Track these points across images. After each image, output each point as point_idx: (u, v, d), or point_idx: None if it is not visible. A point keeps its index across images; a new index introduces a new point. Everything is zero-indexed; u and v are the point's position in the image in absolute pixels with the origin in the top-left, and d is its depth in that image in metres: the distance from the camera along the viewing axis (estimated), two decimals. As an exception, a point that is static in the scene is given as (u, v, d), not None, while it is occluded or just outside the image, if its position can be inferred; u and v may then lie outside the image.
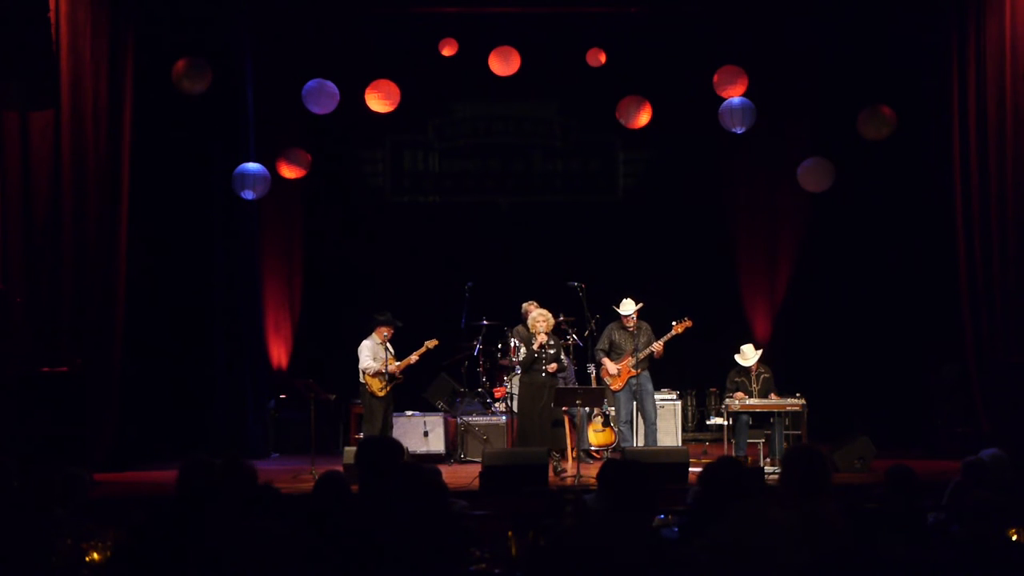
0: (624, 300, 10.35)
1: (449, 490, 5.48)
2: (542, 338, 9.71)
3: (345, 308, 11.87)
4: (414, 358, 10.26)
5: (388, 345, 10.30)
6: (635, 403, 10.30)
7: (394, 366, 10.16)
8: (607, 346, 10.40)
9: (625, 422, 10.30)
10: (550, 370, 9.71)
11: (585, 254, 12.46)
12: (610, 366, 10.31)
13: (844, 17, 11.64)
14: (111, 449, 10.31)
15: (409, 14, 12.01)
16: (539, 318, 9.78)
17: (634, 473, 3.77)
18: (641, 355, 10.19)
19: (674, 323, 10.27)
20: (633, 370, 10.21)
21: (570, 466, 9.82)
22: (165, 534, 4.34)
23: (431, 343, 10.25)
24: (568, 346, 10.74)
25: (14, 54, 8.16)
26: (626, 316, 10.25)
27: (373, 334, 10.28)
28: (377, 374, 10.15)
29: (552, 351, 9.77)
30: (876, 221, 12.09)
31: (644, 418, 10.33)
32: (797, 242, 13.03)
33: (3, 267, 9.42)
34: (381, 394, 10.16)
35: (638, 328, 10.30)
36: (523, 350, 9.82)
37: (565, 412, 9.99)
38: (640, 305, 10.30)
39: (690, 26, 12.24)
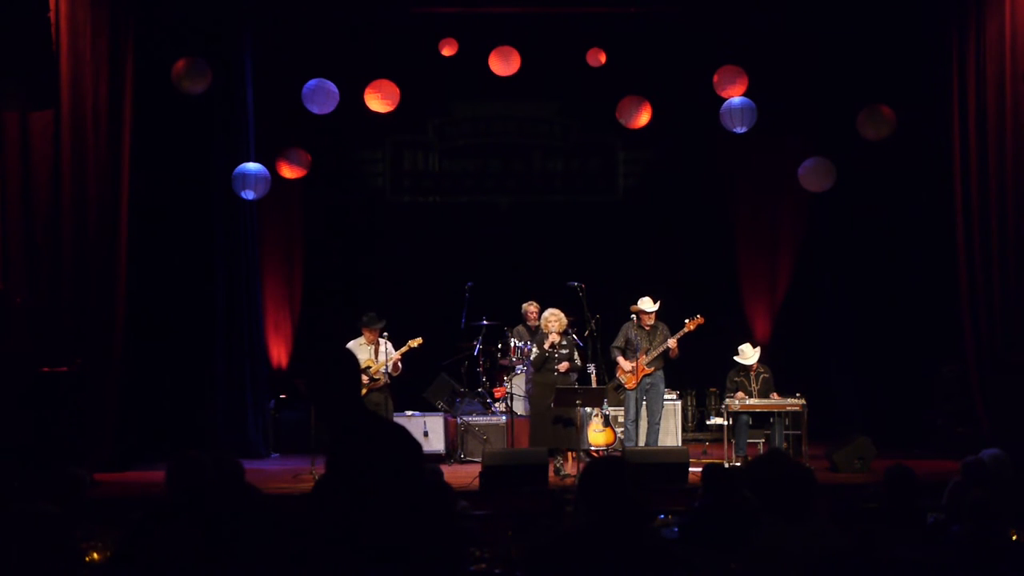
0: (642, 298, 10.36)
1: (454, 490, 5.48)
2: (554, 337, 9.73)
3: (345, 308, 11.85)
4: (396, 358, 10.25)
5: (381, 346, 10.30)
6: (644, 402, 10.33)
7: (375, 367, 10.18)
8: (623, 344, 10.41)
9: (632, 420, 10.32)
10: (561, 369, 9.73)
11: (585, 254, 12.46)
12: (624, 364, 10.33)
13: (844, 17, 11.64)
14: (111, 449, 10.31)
15: (409, 14, 12.00)
16: (550, 318, 9.81)
17: (612, 476, 3.72)
18: (654, 353, 10.21)
19: (686, 320, 10.28)
20: (647, 368, 10.23)
21: (570, 466, 9.82)
22: (159, 533, 4.33)
23: (414, 342, 10.26)
24: (576, 344, 10.75)
25: (14, 54, 8.15)
26: (647, 314, 10.27)
27: (360, 336, 10.34)
28: None
29: (565, 351, 9.79)
30: (876, 221, 12.09)
31: (648, 417, 10.36)
32: (797, 242, 13.05)
33: (3, 267, 9.42)
34: None
35: (654, 327, 10.32)
36: (535, 350, 9.85)
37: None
38: (658, 304, 10.32)
39: (690, 26, 12.23)
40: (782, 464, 4.55)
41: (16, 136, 9.63)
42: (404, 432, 3.73)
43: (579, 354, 10.06)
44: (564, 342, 9.84)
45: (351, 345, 10.35)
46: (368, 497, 3.51)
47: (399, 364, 10.30)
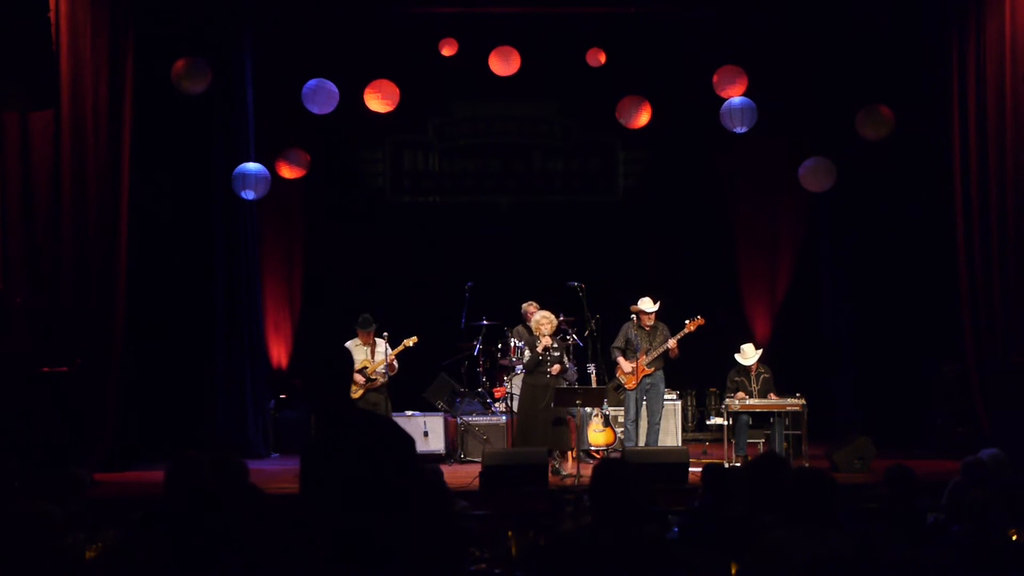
0: (642, 299, 10.36)
1: (451, 492, 5.47)
2: (547, 340, 9.72)
3: (345, 308, 11.86)
4: (391, 357, 10.28)
5: (378, 346, 10.33)
6: (645, 402, 10.34)
7: (371, 367, 10.22)
8: (623, 344, 10.41)
9: (632, 420, 10.32)
10: (553, 372, 9.72)
11: (585, 254, 12.46)
12: (624, 364, 10.33)
13: (844, 17, 11.64)
14: (111, 449, 10.31)
15: (409, 14, 12.00)
16: (543, 320, 9.79)
17: (620, 479, 3.74)
18: (654, 353, 10.22)
19: (687, 321, 10.28)
20: (647, 368, 10.24)
21: (570, 466, 9.82)
22: (157, 533, 4.33)
23: (409, 341, 10.30)
24: (568, 346, 10.76)
25: (14, 54, 8.15)
26: (647, 314, 10.28)
27: (356, 337, 10.38)
28: None
29: (556, 353, 9.79)
30: (876, 221, 12.09)
31: (648, 417, 10.36)
32: (797, 242, 13.05)
33: (3, 267, 9.41)
34: (354, 396, 10.21)
35: (654, 327, 10.33)
36: (527, 352, 9.84)
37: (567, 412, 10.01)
38: (658, 304, 10.33)
39: (690, 26, 12.23)
40: (779, 467, 4.55)
41: (16, 136, 9.62)
42: (396, 427, 3.77)
43: (566, 356, 10.02)
44: (555, 344, 9.83)
45: (347, 346, 10.39)
46: (361, 490, 3.54)
47: (395, 364, 10.33)
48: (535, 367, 9.76)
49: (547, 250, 12.74)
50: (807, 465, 9.57)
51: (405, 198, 13.48)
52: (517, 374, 10.91)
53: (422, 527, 3.94)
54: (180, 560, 4.19)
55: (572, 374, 10.33)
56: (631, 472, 3.69)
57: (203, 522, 4.36)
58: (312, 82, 10.94)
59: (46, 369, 9.38)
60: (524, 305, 11.00)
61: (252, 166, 10.92)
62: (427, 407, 11.50)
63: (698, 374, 12.14)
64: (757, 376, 10.58)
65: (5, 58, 8.12)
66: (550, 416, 9.64)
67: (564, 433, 9.79)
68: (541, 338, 9.75)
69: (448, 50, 11.51)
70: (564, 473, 9.68)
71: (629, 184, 13.55)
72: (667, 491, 8.29)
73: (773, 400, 10.30)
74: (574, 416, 10.30)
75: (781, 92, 12.00)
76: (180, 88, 10.57)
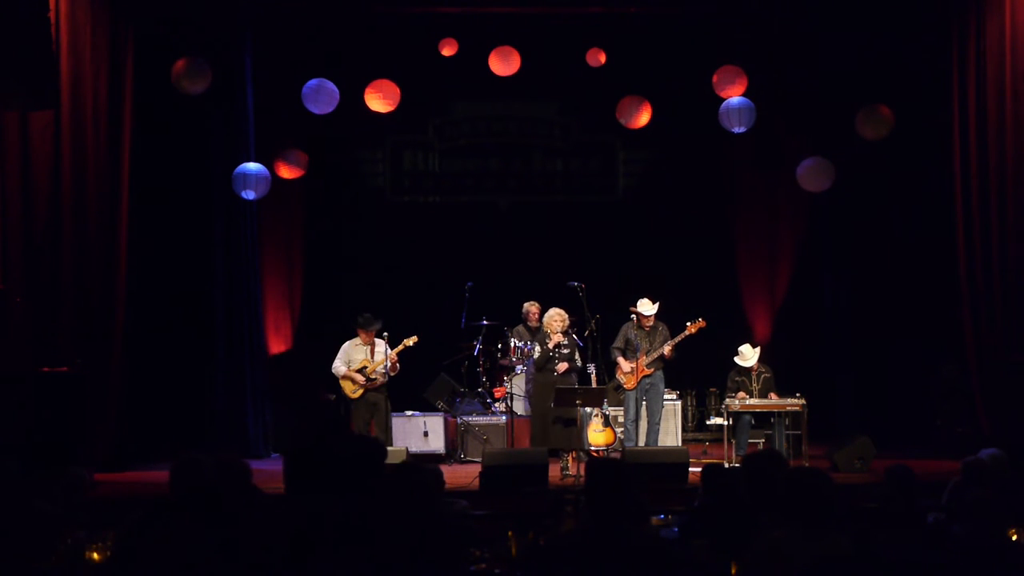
0: (641, 300, 10.36)
1: (447, 490, 5.47)
2: (557, 337, 9.72)
3: (345, 308, 11.87)
4: (392, 357, 10.29)
5: (378, 346, 10.34)
6: (644, 402, 10.34)
7: (371, 366, 10.23)
8: (623, 345, 10.41)
9: (632, 420, 10.32)
10: (559, 370, 9.72)
11: (585, 254, 12.47)
12: (624, 365, 10.34)
13: (844, 17, 11.64)
14: (111, 449, 10.31)
15: (409, 14, 12.00)
16: (556, 316, 9.81)
17: (614, 477, 3.73)
18: (654, 354, 10.22)
19: (688, 324, 10.28)
20: (647, 369, 10.24)
21: (571, 466, 9.83)
22: (159, 534, 4.33)
23: (409, 340, 10.31)
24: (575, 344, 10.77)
25: (14, 54, 8.15)
26: (647, 316, 10.28)
27: (356, 336, 10.37)
28: (345, 377, 10.26)
29: (566, 350, 9.80)
30: (876, 221, 12.10)
31: (648, 417, 10.36)
32: (797, 242, 13.05)
33: (3, 267, 9.41)
34: (353, 396, 10.28)
35: (654, 328, 10.33)
36: (538, 348, 9.85)
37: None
38: (657, 305, 10.33)
39: (690, 26, 12.23)
40: (777, 463, 4.56)
41: (16, 136, 9.61)
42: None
43: (579, 354, 10.06)
44: (566, 342, 9.85)
45: (347, 345, 10.42)
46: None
47: (397, 364, 10.33)
48: (544, 364, 9.77)
49: (547, 250, 12.74)
50: (807, 465, 9.57)
51: (405, 198, 13.48)
52: (517, 374, 10.91)
53: (417, 524, 3.95)
54: (182, 561, 4.19)
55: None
56: (624, 470, 3.69)
57: (206, 521, 4.36)
58: (312, 82, 10.95)
59: (46, 369, 9.38)
60: (525, 305, 11.00)
61: (252, 166, 10.92)
62: (427, 407, 11.50)
63: (698, 374, 12.14)
64: (758, 376, 10.58)
65: (5, 58, 8.11)
66: (561, 415, 9.64)
67: (574, 433, 9.80)
68: (552, 335, 9.75)
69: (448, 50, 11.51)
70: (568, 472, 9.67)
71: (629, 184, 13.55)
72: (667, 491, 8.29)
73: (773, 400, 10.30)
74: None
75: (781, 92, 12.00)
76: (180, 88, 10.58)
